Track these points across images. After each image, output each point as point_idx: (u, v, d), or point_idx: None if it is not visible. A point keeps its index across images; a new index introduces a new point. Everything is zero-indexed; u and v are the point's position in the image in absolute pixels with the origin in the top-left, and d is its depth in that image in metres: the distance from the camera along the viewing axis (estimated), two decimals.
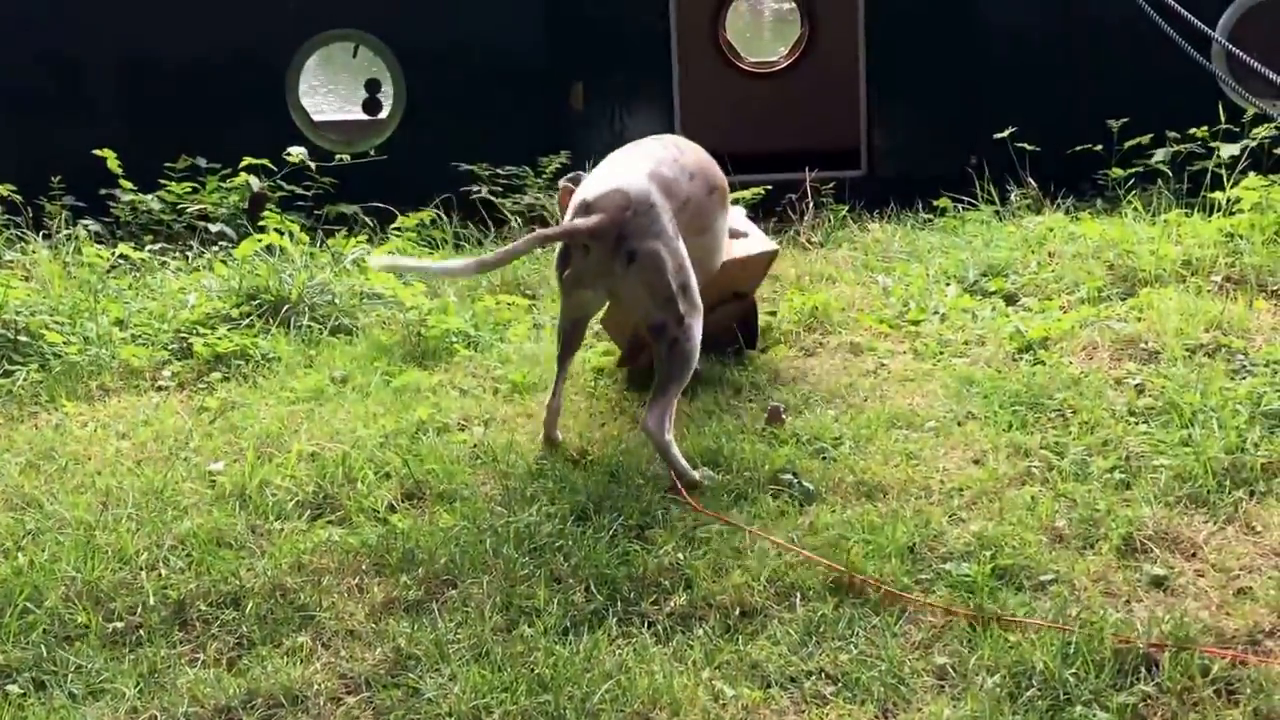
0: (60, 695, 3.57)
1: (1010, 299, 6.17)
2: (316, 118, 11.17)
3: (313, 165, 8.86)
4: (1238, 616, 3.62)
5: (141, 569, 4.05)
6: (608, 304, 4.94)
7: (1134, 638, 3.49)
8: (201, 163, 9.13)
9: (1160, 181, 8.08)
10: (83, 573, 4.01)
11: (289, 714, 3.49)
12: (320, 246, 7.35)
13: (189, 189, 8.80)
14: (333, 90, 17.23)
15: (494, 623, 3.76)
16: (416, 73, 10.32)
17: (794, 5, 13.97)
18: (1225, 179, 6.99)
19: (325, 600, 3.89)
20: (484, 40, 10.28)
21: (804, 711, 3.41)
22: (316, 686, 3.56)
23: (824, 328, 5.89)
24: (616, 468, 4.54)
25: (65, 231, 7.80)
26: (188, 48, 10.22)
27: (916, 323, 5.92)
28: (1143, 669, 3.43)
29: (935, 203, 8.52)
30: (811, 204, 8.35)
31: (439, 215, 8.13)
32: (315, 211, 8.93)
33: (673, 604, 3.81)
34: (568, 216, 4.76)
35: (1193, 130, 8.25)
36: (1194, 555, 3.94)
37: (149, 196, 8.73)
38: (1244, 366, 5.09)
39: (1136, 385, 4.97)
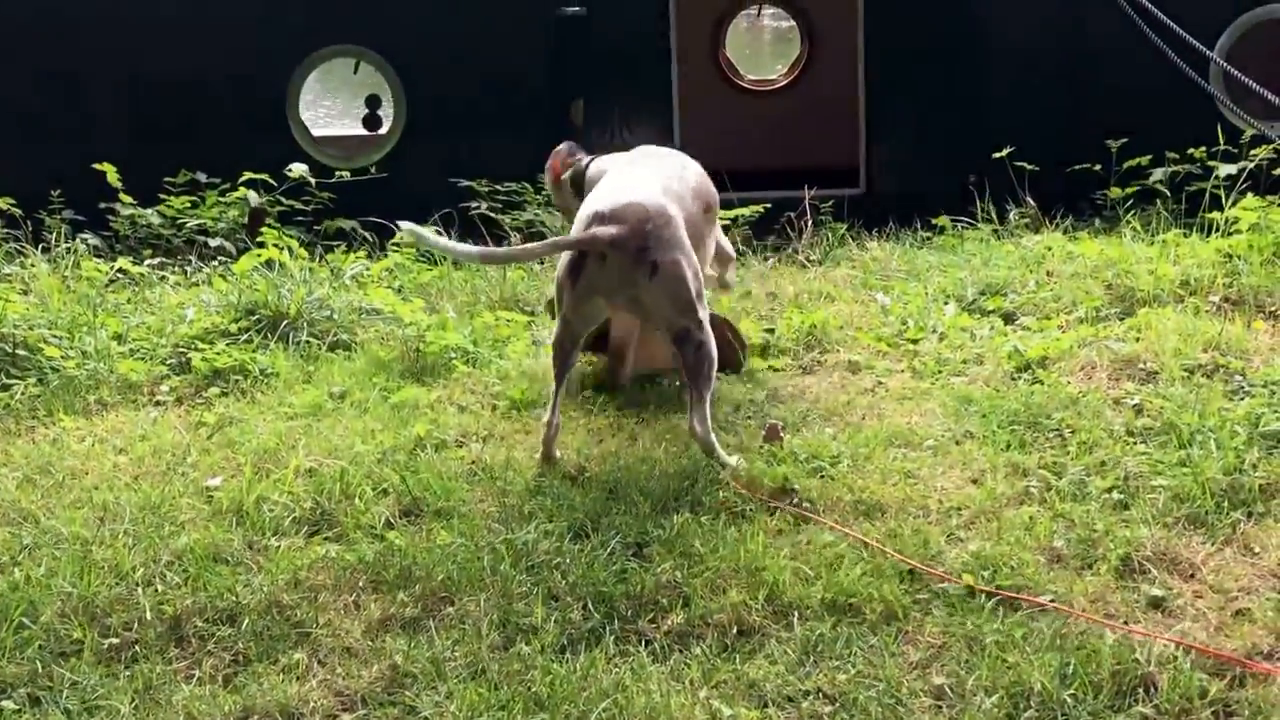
0: (55, 712, 3.56)
1: (1008, 318, 6.17)
2: (316, 133, 11.19)
3: (312, 180, 8.87)
4: (1236, 638, 3.62)
5: (138, 585, 4.04)
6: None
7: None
8: (201, 177, 9.14)
9: (1158, 201, 8.09)
10: (79, 588, 4.00)
11: None
12: (319, 262, 7.35)
13: (188, 204, 8.81)
14: (334, 106, 17.26)
15: (491, 640, 3.75)
16: (417, 89, 10.34)
17: (794, 23, 14.00)
18: (1223, 199, 6.99)
19: (321, 617, 3.89)
20: (484, 56, 10.30)
21: None
22: (312, 704, 3.55)
23: (822, 346, 5.89)
24: (614, 485, 4.54)
25: (64, 245, 7.81)
26: (188, 62, 10.24)
27: (915, 341, 5.92)
28: (1141, 690, 3.42)
29: (934, 221, 8.53)
30: (810, 222, 8.36)
31: (438, 231, 8.13)
32: (314, 227, 8.94)
33: (670, 622, 3.80)
34: (577, 227, 4.78)
35: (1191, 151, 8.28)
36: (1192, 576, 3.94)
37: (148, 211, 8.74)
38: (1242, 387, 5.09)
39: (1135, 405, 4.97)
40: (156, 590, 4.02)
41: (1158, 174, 8.57)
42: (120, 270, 7.30)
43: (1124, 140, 8.88)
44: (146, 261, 7.84)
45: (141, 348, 6.12)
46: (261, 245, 7.19)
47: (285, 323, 6.24)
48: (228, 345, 6.02)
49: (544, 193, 8.94)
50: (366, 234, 8.63)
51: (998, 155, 8.65)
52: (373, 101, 12.77)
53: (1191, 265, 6.40)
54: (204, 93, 10.22)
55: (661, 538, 4.18)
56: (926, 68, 10.38)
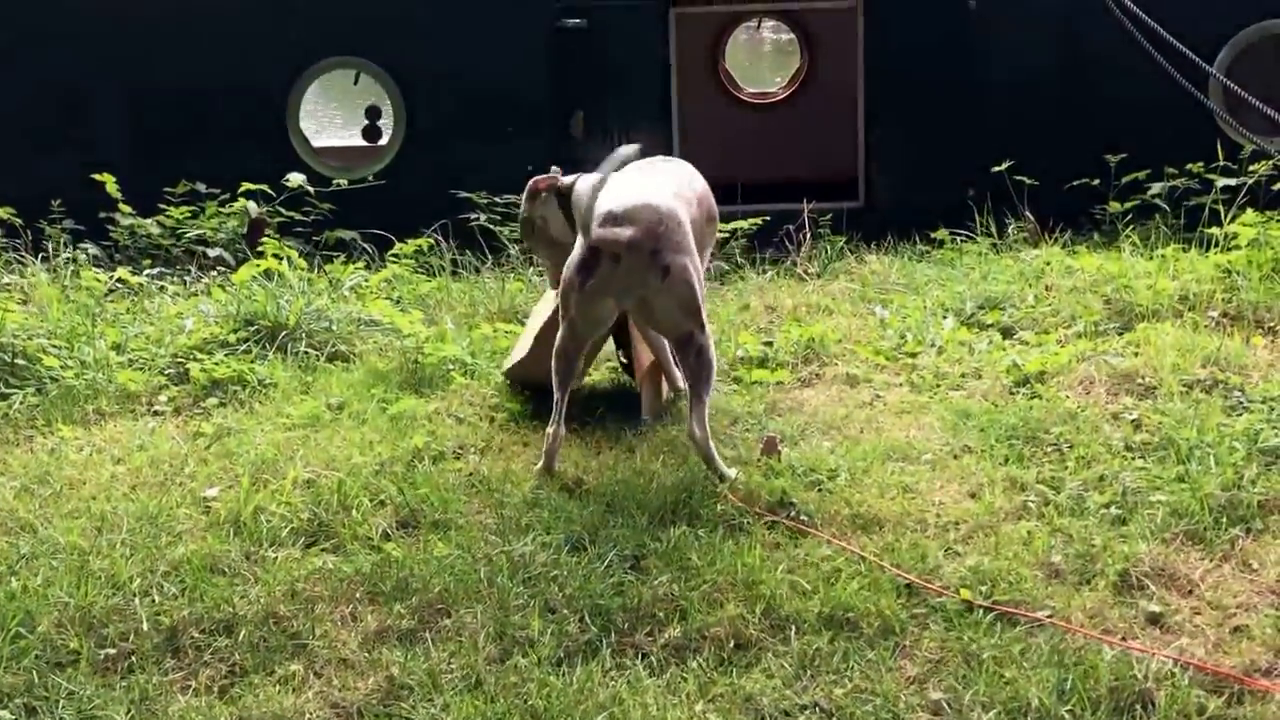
0: None
1: (1007, 332, 6.18)
2: (317, 144, 11.20)
3: (312, 190, 8.88)
4: (1234, 654, 3.62)
5: (135, 595, 4.04)
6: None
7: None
8: (201, 188, 9.15)
9: (1157, 216, 8.10)
10: (76, 598, 4.00)
11: None
12: (318, 273, 7.35)
13: (188, 214, 8.81)
14: (336, 117, 17.27)
15: (487, 653, 3.75)
16: (417, 100, 10.36)
17: (793, 36, 14.02)
18: (1222, 214, 7.00)
19: (318, 628, 3.88)
20: (484, 68, 10.32)
21: None
22: (308, 716, 3.55)
23: (820, 359, 5.89)
24: (612, 497, 4.53)
25: (64, 255, 7.81)
26: (189, 73, 10.25)
27: (913, 355, 5.92)
28: (1139, 706, 3.42)
29: (933, 235, 8.54)
30: (809, 235, 8.37)
31: (436, 242, 8.14)
32: (314, 237, 8.94)
33: (667, 635, 3.80)
34: (595, 226, 4.74)
35: (1190, 166, 8.29)
36: (1190, 592, 3.94)
37: (148, 221, 8.74)
38: (1240, 403, 5.09)
39: (1133, 420, 4.97)
40: (153, 600, 4.02)
41: (1156, 188, 8.59)
42: (119, 280, 7.29)
43: (1123, 155, 8.89)
44: (146, 271, 7.84)
45: (140, 358, 6.11)
46: (261, 255, 7.19)
47: (284, 333, 6.24)
48: (226, 356, 6.02)
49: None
50: (366, 245, 8.64)
51: (997, 169, 8.66)
52: (372, 113, 12.78)
53: (1190, 280, 6.40)
54: (204, 103, 10.23)
55: (659, 550, 4.18)
56: (926, 81, 10.39)
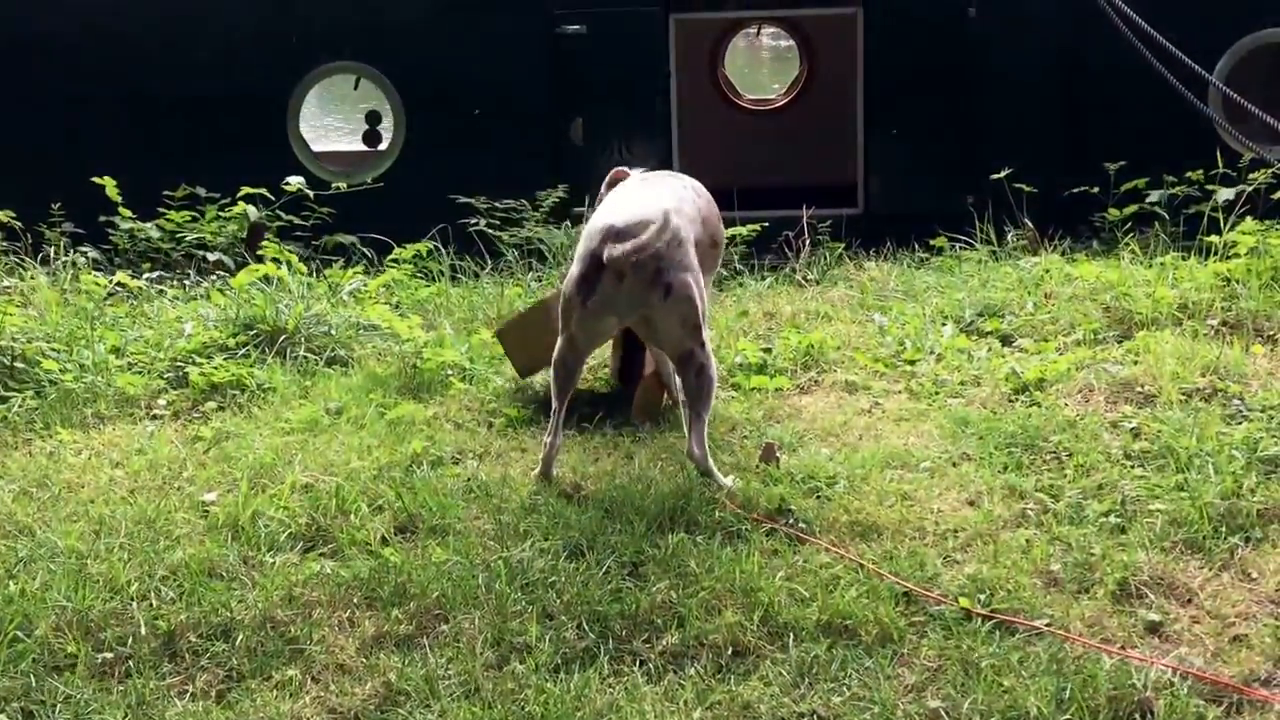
0: None
1: (1006, 340, 6.18)
2: (317, 148, 11.20)
3: (311, 194, 8.87)
4: (1233, 664, 3.61)
5: (132, 599, 4.04)
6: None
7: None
8: (201, 192, 9.15)
9: (1157, 224, 8.10)
10: (73, 602, 3.99)
11: None
12: (318, 277, 7.35)
13: (188, 218, 8.81)
14: (338, 122, 17.28)
15: (485, 659, 3.74)
16: (417, 105, 10.36)
17: (793, 43, 14.03)
18: (1221, 223, 7.00)
19: (316, 633, 3.88)
20: (484, 74, 10.31)
21: None
22: None
23: (819, 366, 5.89)
24: (610, 504, 4.53)
25: (64, 258, 7.80)
26: (189, 77, 10.25)
27: (912, 362, 5.92)
28: (1137, 715, 3.42)
29: (932, 242, 8.53)
30: (808, 241, 8.36)
31: (436, 247, 8.13)
32: (313, 242, 8.94)
33: (665, 642, 3.79)
34: (588, 240, 4.74)
35: (1189, 174, 8.28)
36: (1189, 601, 3.93)
37: (148, 225, 8.73)
38: (1240, 411, 5.09)
39: (1132, 429, 4.97)
40: (151, 605, 4.02)
41: (1156, 196, 8.58)
42: (119, 284, 7.29)
43: (1122, 163, 8.90)
44: (145, 275, 7.83)
45: (139, 362, 6.11)
46: (260, 260, 7.19)
47: (283, 338, 6.24)
48: (225, 360, 6.02)
49: (541, 209, 8.96)
50: (365, 250, 8.63)
51: (996, 176, 8.65)
52: (373, 118, 12.78)
53: (1190, 289, 6.40)
54: (204, 108, 10.23)
55: (657, 557, 4.18)
56: (925, 88, 10.39)
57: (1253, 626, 3.79)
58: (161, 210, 8.89)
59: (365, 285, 7.17)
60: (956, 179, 9.97)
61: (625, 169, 5.21)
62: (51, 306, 6.70)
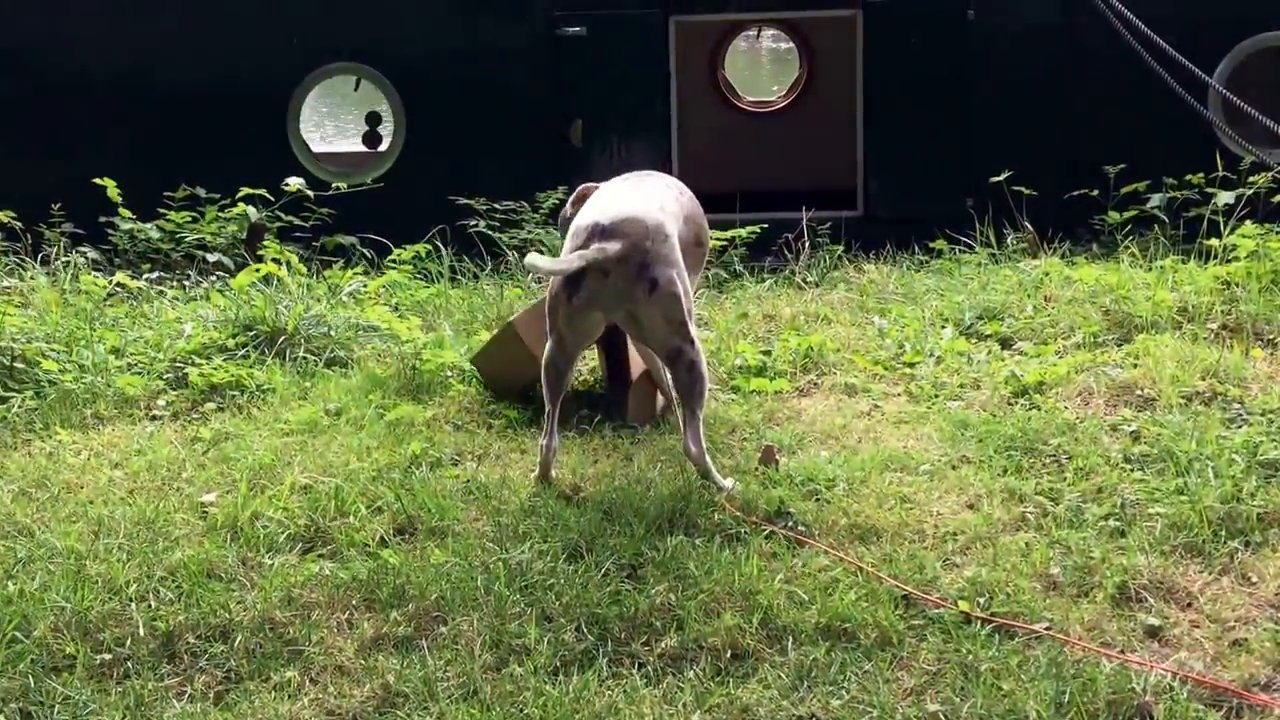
0: None
1: (1006, 343, 6.17)
2: (317, 149, 11.21)
3: (311, 195, 8.88)
4: (1233, 668, 3.61)
5: (131, 600, 4.03)
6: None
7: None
8: (201, 193, 9.15)
9: (1156, 228, 8.10)
10: (72, 603, 3.99)
11: None
12: (317, 278, 7.35)
13: (188, 218, 8.81)
14: (340, 124, 17.29)
15: (484, 661, 3.74)
16: (417, 106, 10.36)
17: (793, 45, 14.04)
18: (1221, 226, 7.00)
19: (314, 635, 3.87)
20: (485, 75, 10.33)
21: None
22: None
23: (819, 368, 5.89)
24: (609, 506, 4.53)
25: (63, 259, 7.80)
26: (190, 78, 10.26)
27: (911, 365, 5.92)
28: (1137, 719, 3.41)
29: (931, 244, 8.54)
30: (808, 243, 8.37)
31: (436, 248, 8.13)
32: (313, 243, 8.94)
33: (664, 645, 3.79)
34: (573, 239, 4.75)
35: (1189, 177, 8.29)
36: (1189, 605, 3.93)
37: (148, 225, 8.74)
38: (1240, 415, 5.09)
39: (1132, 432, 4.97)
40: (150, 606, 4.01)
41: (1155, 199, 8.59)
42: (119, 284, 7.29)
43: (1122, 166, 8.90)
44: (145, 276, 7.83)
45: (139, 362, 6.11)
46: (260, 260, 7.19)
47: (282, 339, 6.23)
48: (225, 361, 6.02)
49: (541, 211, 8.96)
50: (365, 251, 8.63)
51: (995, 179, 8.66)
52: (373, 119, 12.79)
53: (1189, 292, 6.40)
54: (205, 108, 10.24)
55: (656, 560, 4.17)
56: (925, 91, 10.40)
57: (1252, 631, 3.78)
58: (161, 211, 8.90)
59: (365, 286, 7.17)
60: (956, 182, 9.99)
61: (593, 184, 5.21)
62: (51, 307, 6.70)
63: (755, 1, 11.52)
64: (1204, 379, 5.40)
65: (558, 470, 4.81)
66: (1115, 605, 3.92)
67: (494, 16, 10.40)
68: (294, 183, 8.82)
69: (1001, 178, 8.58)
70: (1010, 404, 5.39)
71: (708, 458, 4.70)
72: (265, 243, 7.75)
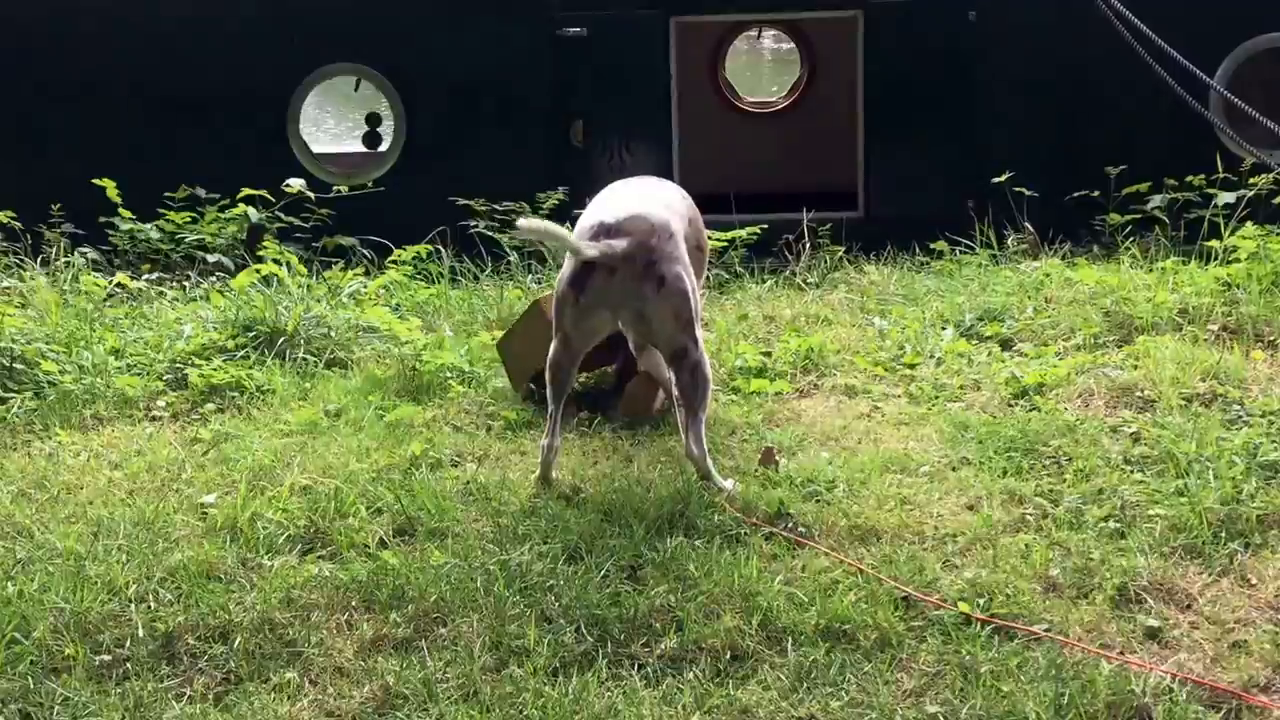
0: None
1: (1006, 344, 6.17)
2: (317, 149, 11.21)
3: (311, 196, 8.88)
4: (1233, 670, 3.61)
5: (130, 601, 4.03)
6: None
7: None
8: (201, 193, 9.15)
9: (1157, 229, 8.10)
10: (71, 604, 3.99)
11: None
12: (317, 279, 7.35)
13: (188, 219, 8.81)
14: (339, 124, 17.29)
15: (483, 662, 3.74)
16: (417, 107, 10.36)
17: (794, 46, 14.03)
18: (1222, 227, 7.00)
19: (314, 636, 3.87)
20: (485, 76, 10.32)
21: None
22: None
23: (819, 369, 5.89)
24: (609, 507, 4.52)
25: (63, 259, 7.80)
26: (190, 78, 10.26)
27: (912, 366, 5.92)
28: None
29: (932, 246, 8.53)
30: (808, 245, 8.36)
31: (436, 249, 8.13)
32: (313, 244, 8.94)
33: (663, 646, 3.79)
34: (578, 237, 4.74)
35: (1190, 178, 8.28)
36: (1189, 607, 3.93)
37: (148, 226, 8.74)
38: (1240, 417, 5.09)
39: (1132, 434, 4.97)
40: (149, 607, 4.01)
41: (1156, 201, 8.59)
42: (119, 285, 7.29)
43: (1123, 167, 8.89)
44: (145, 276, 7.83)
45: (138, 363, 6.11)
46: (260, 261, 7.19)
47: (282, 340, 6.23)
48: (224, 361, 6.02)
49: (541, 211, 8.95)
50: (365, 251, 8.63)
51: (996, 180, 8.65)
52: (373, 119, 12.79)
53: (1190, 293, 6.40)
54: (205, 109, 10.24)
55: (656, 561, 4.17)
56: (926, 92, 10.40)
57: (1252, 632, 3.78)
58: (161, 211, 8.90)
59: (365, 287, 7.17)
60: (957, 183, 9.98)
61: None
62: (51, 307, 6.69)
63: (756, 2, 11.52)
64: (1204, 380, 5.40)
65: (557, 472, 4.80)
66: (1115, 607, 3.91)
67: (494, 17, 10.40)
68: (295, 183, 8.82)
69: (1002, 179, 8.58)
70: (1010, 405, 5.39)
71: (709, 460, 4.69)
72: (265, 243, 7.75)
